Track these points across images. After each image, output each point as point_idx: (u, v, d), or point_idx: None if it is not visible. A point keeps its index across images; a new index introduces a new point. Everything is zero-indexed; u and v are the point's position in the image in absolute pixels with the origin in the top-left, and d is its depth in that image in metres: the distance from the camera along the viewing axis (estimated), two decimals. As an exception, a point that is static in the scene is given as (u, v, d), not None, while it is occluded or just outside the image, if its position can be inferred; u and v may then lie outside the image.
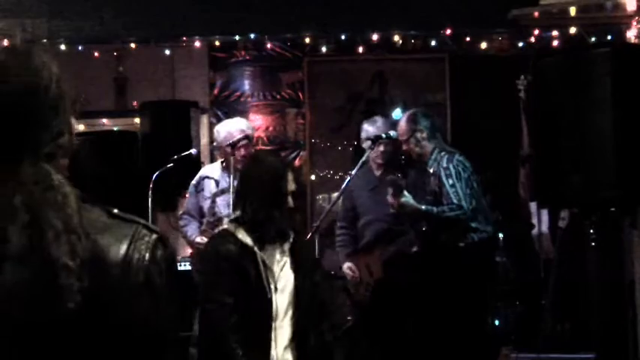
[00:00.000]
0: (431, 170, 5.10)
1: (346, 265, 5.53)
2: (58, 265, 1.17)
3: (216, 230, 3.68)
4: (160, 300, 1.27)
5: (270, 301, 3.28)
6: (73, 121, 1.36)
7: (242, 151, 5.09)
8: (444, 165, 5.00)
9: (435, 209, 4.92)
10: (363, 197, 5.53)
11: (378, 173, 5.54)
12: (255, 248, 3.31)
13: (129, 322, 1.24)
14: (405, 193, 4.91)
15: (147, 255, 1.26)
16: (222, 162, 5.35)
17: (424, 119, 5.22)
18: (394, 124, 5.48)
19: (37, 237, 1.18)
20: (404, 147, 5.24)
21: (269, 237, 3.36)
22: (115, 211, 1.31)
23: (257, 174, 3.42)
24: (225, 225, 3.52)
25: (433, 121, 5.30)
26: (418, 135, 5.17)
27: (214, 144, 5.73)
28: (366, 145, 5.48)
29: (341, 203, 5.59)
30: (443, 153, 5.10)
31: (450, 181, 4.93)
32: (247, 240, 3.32)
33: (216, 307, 3.28)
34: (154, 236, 1.29)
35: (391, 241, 5.36)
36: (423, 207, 4.92)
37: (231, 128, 5.23)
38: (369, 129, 5.54)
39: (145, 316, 1.25)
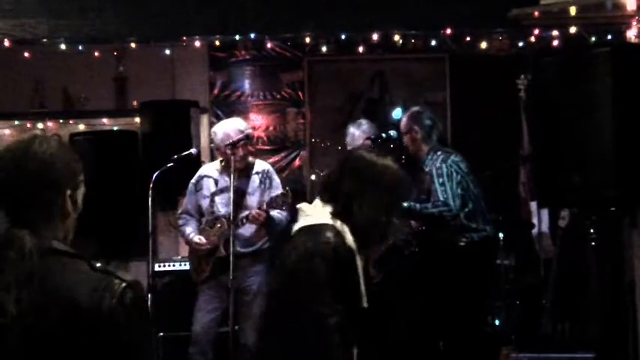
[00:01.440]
0: (426, 169, 5.14)
1: None
2: (3, 309, 1.57)
3: (319, 222, 2.90)
4: (125, 334, 1.63)
5: (363, 313, 2.88)
6: (78, 192, 1.75)
7: (241, 151, 5.10)
8: (437, 164, 5.06)
9: (417, 206, 4.96)
10: None
11: None
12: (355, 251, 2.84)
13: (98, 352, 1.60)
14: None
15: (114, 300, 1.63)
16: (221, 161, 5.35)
17: (425, 120, 5.28)
18: (392, 125, 5.52)
19: None
20: (403, 139, 5.30)
21: (370, 244, 2.97)
22: (98, 265, 1.68)
23: (387, 177, 2.89)
24: (329, 220, 2.86)
25: (433, 124, 5.32)
26: (413, 133, 5.24)
27: (212, 145, 5.74)
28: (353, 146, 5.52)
29: None
30: (439, 153, 5.15)
31: (440, 180, 4.98)
32: (353, 243, 2.82)
33: (322, 317, 2.71)
34: (123, 284, 1.65)
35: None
36: (405, 204, 4.95)
37: (228, 129, 5.23)
38: (354, 132, 5.60)
39: (111, 346, 1.61)
